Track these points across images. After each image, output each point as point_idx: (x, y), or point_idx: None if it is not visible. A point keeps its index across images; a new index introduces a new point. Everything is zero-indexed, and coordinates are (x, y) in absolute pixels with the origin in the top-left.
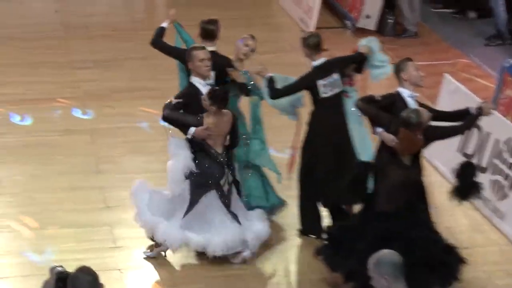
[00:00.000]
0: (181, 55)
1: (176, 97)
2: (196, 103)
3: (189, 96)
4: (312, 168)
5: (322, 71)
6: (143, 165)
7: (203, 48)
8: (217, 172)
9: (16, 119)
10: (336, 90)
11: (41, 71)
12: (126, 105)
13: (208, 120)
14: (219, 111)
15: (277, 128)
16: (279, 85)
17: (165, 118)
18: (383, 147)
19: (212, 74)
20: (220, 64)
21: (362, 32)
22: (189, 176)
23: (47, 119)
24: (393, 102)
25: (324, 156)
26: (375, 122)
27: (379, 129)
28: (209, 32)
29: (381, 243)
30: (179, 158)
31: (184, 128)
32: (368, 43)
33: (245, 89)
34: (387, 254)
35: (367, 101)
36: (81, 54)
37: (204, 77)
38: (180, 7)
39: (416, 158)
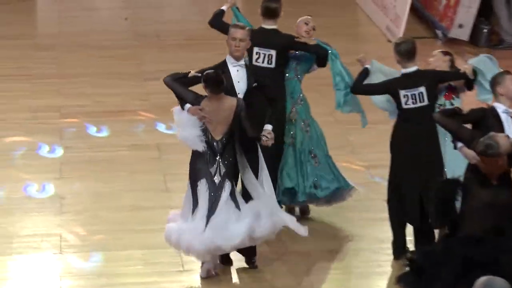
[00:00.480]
0: None
1: (198, 71)
2: None
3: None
4: (397, 185)
5: (408, 81)
6: None
7: (242, 28)
8: (208, 158)
9: (92, 130)
10: (423, 104)
11: (111, 82)
12: None
13: (206, 103)
14: (217, 95)
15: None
16: (376, 75)
17: (165, 84)
18: (469, 164)
19: (273, 52)
20: (282, 42)
21: (454, 42)
22: (189, 165)
23: (115, 133)
24: (483, 117)
25: (406, 172)
26: (456, 137)
27: (460, 144)
28: (271, 9)
29: (467, 270)
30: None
31: (182, 102)
32: (476, 64)
33: (321, 50)
34: (497, 281)
35: (449, 114)
36: (152, 64)
37: (235, 56)
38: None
39: (505, 176)
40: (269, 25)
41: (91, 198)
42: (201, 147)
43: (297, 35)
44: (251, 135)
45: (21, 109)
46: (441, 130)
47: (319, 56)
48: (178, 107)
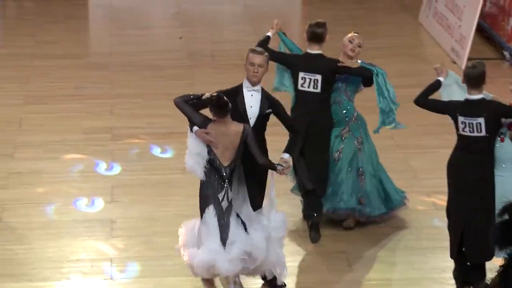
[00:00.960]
0: (287, 60)
1: (213, 94)
2: (232, 106)
3: (228, 95)
4: (451, 212)
5: (468, 108)
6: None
7: (261, 53)
8: (216, 184)
9: (144, 152)
10: (479, 134)
11: (163, 103)
12: None
13: (212, 126)
14: (223, 119)
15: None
16: (451, 88)
17: (175, 104)
18: None
19: (319, 77)
20: (327, 67)
21: None
22: (199, 189)
23: (169, 155)
24: None
25: (458, 201)
26: None
27: None
28: (317, 34)
29: None
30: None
31: (191, 124)
32: None
33: (365, 72)
34: None
35: None
36: (205, 85)
37: (252, 82)
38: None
39: None
40: (314, 50)
41: (143, 222)
42: (200, 174)
43: (342, 56)
44: (261, 163)
45: (74, 130)
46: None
47: (364, 78)
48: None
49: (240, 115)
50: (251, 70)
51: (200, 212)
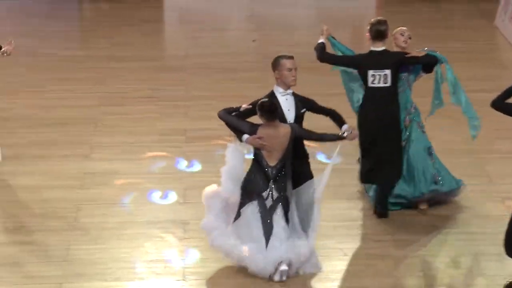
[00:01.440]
0: (353, 61)
1: (250, 104)
2: None
3: None
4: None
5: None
6: (340, 212)
7: (291, 57)
8: (261, 183)
9: (217, 154)
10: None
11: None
12: None
13: (262, 131)
14: (273, 123)
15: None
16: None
17: (219, 118)
18: None
19: (388, 72)
20: (395, 60)
21: None
22: (242, 183)
23: None
24: None
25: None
26: None
27: None
28: (380, 32)
29: None
30: (229, 166)
31: (238, 133)
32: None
33: (432, 59)
34: None
35: None
36: None
37: (287, 87)
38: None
39: None
40: (379, 47)
41: None
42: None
43: (396, 46)
44: (328, 139)
45: (149, 132)
46: None
47: (430, 64)
48: (233, 145)
49: (279, 119)
50: (290, 75)
51: (240, 205)
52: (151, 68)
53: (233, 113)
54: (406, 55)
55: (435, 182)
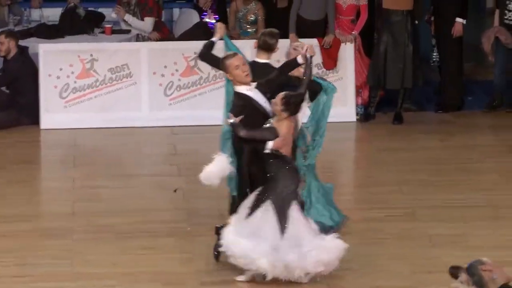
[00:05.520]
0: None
1: (235, 115)
2: (251, 111)
3: (245, 107)
4: None
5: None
6: None
7: (235, 54)
8: (294, 179)
9: None
10: None
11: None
12: None
13: (282, 128)
14: (291, 117)
15: None
16: None
17: (243, 139)
18: None
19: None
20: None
21: None
22: (269, 195)
23: None
24: None
25: None
26: None
27: None
28: (269, 45)
29: None
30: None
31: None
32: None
33: (316, 85)
34: None
35: None
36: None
37: (247, 82)
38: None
39: None
40: (263, 59)
41: None
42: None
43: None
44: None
45: None
46: None
47: (314, 91)
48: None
49: (262, 114)
50: (240, 72)
51: (278, 208)
52: (22, 233)
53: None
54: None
55: None
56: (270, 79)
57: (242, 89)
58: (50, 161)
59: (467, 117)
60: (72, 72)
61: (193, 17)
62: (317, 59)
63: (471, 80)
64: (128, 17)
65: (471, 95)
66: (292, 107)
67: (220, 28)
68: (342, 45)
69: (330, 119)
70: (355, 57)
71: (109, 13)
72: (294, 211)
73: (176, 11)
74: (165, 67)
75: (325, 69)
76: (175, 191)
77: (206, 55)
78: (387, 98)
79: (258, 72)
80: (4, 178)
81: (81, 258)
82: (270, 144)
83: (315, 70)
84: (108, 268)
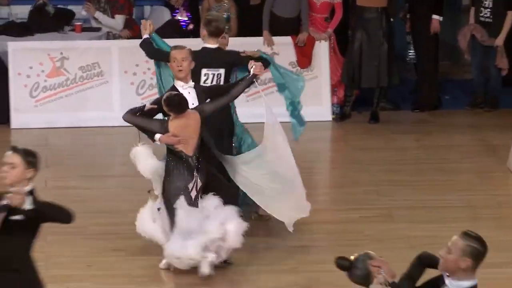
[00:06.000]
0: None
1: (152, 103)
2: None
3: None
4: None
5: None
6: None
7: (182, 48)
8: (186, 175)
9: None
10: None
11: None
12: None
13: (173, 125)
14: (181, 115)
15: None
16: None
17: (126, 121)
18: None
19: (222, 71)
20: (230, 59)
21: None
22: (165, 183)
23: None
24: None
25: None
26: None
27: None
28: (220, 29)
29: None
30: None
31: (150, 134)
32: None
33: (264, 60)
34: None
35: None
36: None
37: (180, 78)
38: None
39: None
40: (213, 45)
41: None
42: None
43: (221, 45)
44: (238, 89)
45: None
46: None
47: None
48: (135, 149)
49: None
50: (174, 66)
51: (165, 201)
52: None
53: (138, 113)
54: (242, 54)
55: None
56: (214, 89)
57: (178, 84)
58: None
59: (444, 116)
60: (42, 71)
61: (165, 15)
62: (291, 57)
63: (447, 79)
64: (99, 15)
65: (448, 94)
66: (175, 107)
67: (150, 24)
68: (317, 43)
69: (305, 119)
70: (330, 55)
71: (79, 10)
72: (180, 205)
73: (147, 8)
74: (137, 65)
75: (299, 68)
76: (149, 192)
77: (154, 53)
78: (362, 97)
79: (212, 57)
80: None
81: (55, 260)
82: (157, 137)
83: (289, 68)
84: (82, 270)
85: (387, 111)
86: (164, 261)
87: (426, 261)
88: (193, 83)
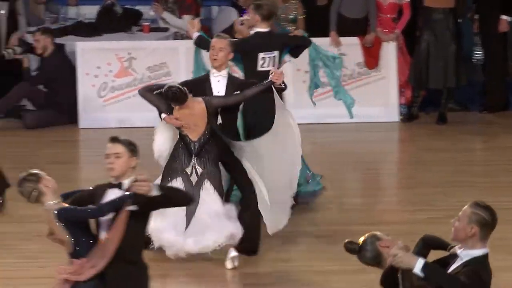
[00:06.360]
0: (240, 44)
1: (181, 83)
2: (199, 92)
3: (196, 83)
4: None
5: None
6: None
7: (223, 37)
8: (183, 159)
9: None
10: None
11: None
12: None
13: (177, 111)
14: (184, 105)
15: None
16: None
17: (140, 95)
18: None
19: (277, 54)
20: (282, 41)
21: None
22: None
23: None
24: None
25: None
26: None
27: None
28: (273, 13)
29: None
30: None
31: (159, 112)
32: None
33: (306, 40)
34: None
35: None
36: None
37: (214, 67)
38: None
39: None
40: (265, 28)
41: None
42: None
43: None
44: (252, 93)
45: None
46: None
47: (304, 45)
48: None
49: None
50: (211, 54)
51: (163, 181)
52: None
53: (154, 91)
54: (290, 35)
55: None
56: (247, 84)
57: (212, 70)
58: (89, 161)
59: None
60: (110, 71)
61: (232, 16)
62: (359, 58)
63: None
64: (166, 15)
65: None
66: (171, 101)
67: (192, 24)
68: (384, 43)
69: (372, 119)
70: (397, 56)
71: (147, 10)
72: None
73: (214, 9)
74: None
75: (367, 68)
76: None
77: (200, 43)
78: (430, 98)
79: (267, 41)
80: None
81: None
82: (162, 116)
83: (356, 69)
84: None
85: (455, 112)
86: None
87: (430, 242)
88: (228, 72)
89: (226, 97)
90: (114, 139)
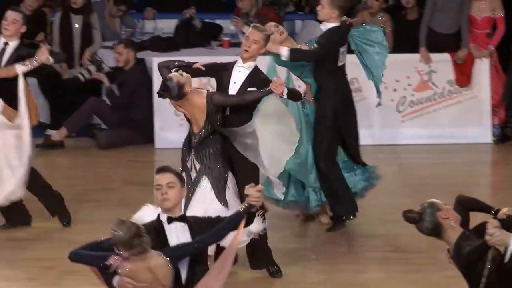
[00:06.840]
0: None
1: (204, 65)
2: (219, 77)
3: (218, 68)
4: None
5: None
6: None
7: (260, 30)
8: (186, 151)
9: None
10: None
11: None
12: None
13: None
14: (184, 98)
15: None
16: None
17: (158, 69)
18: None
19: (346, 46)
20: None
21: None
22: None
23: None
24: None
25: None
26: None
27: None
28: (348, 6)
29: None
30: None
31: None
32: None
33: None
34: None
35: None
36: None
37: (242, 58)
38: None
39: None
40: (338, 23)
41: None
42: None
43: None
44: (250, 97)
45: None
46: None
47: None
48: None
49: (222, 89)
50: (243, 44)
51: None
52: None
53: (175, 67)
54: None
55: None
56: (262, 82)
57: (238, 61)
58: None
59: None
60: None
61: (317, 30)
62: (450, 75)
63: None
64: (247, 29)
65: None
66: (173, 92)
67: (282, 31)
68: (477, 60)
69: (464, 140)
70: (491, 74)
71: (227, 25)
72: None
73: (298, 23)
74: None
75: (458, 86)
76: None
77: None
78: None
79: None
80: (115, 200)
81: None
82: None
83: (447, 87)
84: None
85: None
86: None
87: (465, 203)
88: (255, 66)
89: (227, 96)
90: (163, 169)
